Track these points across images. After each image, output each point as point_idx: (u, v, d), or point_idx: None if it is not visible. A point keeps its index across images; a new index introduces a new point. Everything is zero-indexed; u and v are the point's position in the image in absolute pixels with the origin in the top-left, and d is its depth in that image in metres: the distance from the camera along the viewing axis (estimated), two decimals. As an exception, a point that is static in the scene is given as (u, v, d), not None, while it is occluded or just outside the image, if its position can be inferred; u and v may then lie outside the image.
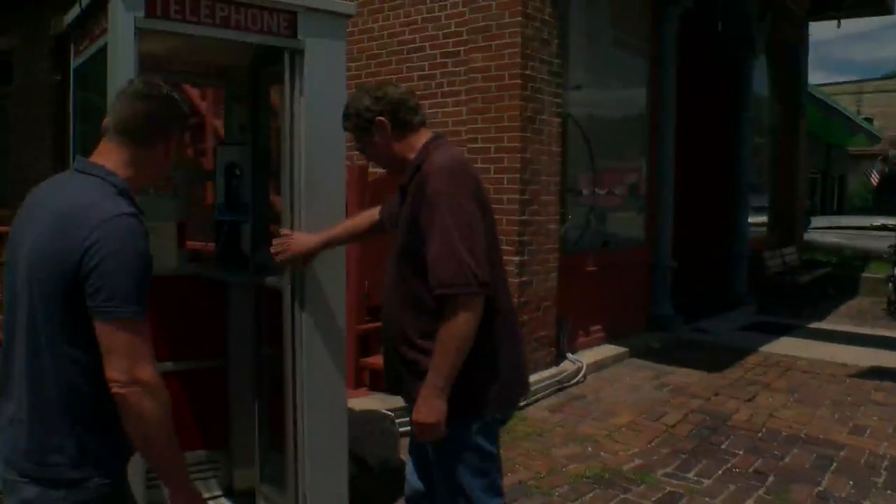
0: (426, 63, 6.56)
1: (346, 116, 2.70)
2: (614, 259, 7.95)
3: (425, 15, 6.55)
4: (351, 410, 4.89)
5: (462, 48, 6.29)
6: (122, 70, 2.94)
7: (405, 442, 5.05)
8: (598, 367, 7.02)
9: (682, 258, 8.99)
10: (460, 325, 2.27)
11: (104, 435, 1.85)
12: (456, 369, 2.30)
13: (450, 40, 6.37)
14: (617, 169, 8.63)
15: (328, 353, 3.49)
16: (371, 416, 4.86)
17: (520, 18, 5.86)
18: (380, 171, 6.71)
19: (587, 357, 7.02)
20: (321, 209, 3.42)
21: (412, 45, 6.65)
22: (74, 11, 3.46)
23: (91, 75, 3.47)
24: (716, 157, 10.95)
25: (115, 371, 1.74)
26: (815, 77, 75.60)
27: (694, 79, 10.18)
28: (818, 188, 31.52)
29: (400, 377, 2.55)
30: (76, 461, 1.81)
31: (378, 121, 2.56)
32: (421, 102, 6.26)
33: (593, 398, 6.18)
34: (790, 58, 12.54)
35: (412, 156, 2.55)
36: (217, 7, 3.11)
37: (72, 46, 3.70)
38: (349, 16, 3.44)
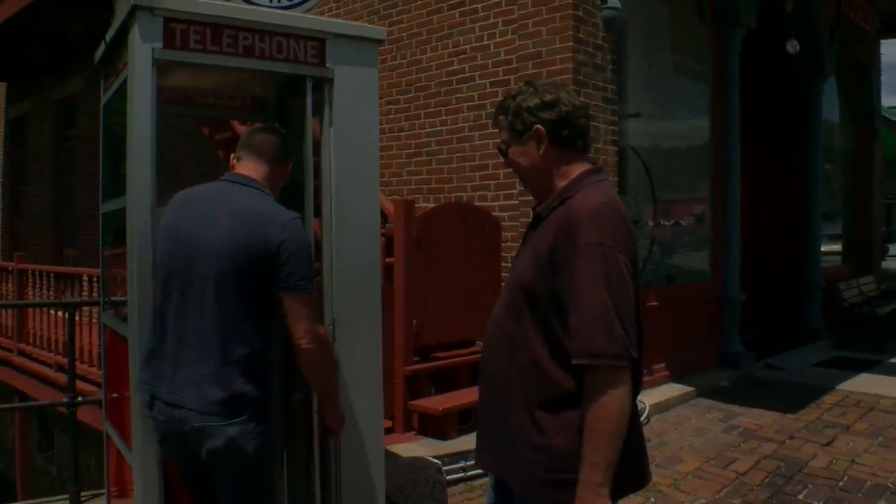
0: (476, 93, 6.36)
1: (503, 109, 2.21)
2: (679, 293, 7.56)
3: (474, 44, 6.37)
4: (395, 456, 4.66)
5: (512, 76, 6.07)
6: (141, 102, 2.81)
7: (453, 491, 4.79)
8: (662, 408, 6.62)
9: (751, 291, 8.54)
10: (613, 405, 1.88)
11: (267, 381, 2.50)
12: (615, 455, 1.89)
13: (499, 69, 6.17)
14: (680, 199, 8.28)
15: (364, 400, 3.25)
16: (416, 464, 4.59)
17: (571, 43, 5.62)
18: (429, 205, 6.56)
19: (650, 398, 6.63)
20: (353, 247, 3.20)
21: (461, 76, 6.47)
22: (101, 48, 3.36)
23: (118, 109, 3.35)
24: (784, 184, 10.45)
25: (302, 331, 2.48)
26: (889, 100, 73.25)
27: (758, 103, 9.77)
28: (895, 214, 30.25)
29: (505, 452, 2.12)
30: (257, 402, 2.43)
31: (537, 129, 2.11)
32: (471, 134, 6.18)
33: (657, 442, 5.79)
34: (861, 79, 11.97)
35: (562, 183, 2.12)
36: (240, 36, 2.96)
37: (101, 83, 3.60)
38: (380, 41, 3.26)
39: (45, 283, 8.09)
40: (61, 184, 13.61)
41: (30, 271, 8.56)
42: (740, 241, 8.35)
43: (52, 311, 7.38)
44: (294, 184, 3.61)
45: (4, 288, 9.30)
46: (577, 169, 2.14)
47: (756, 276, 9.14)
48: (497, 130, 2.22)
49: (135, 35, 2.79)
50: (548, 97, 2.13)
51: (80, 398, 4.01)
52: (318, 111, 3.16)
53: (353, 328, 3.20)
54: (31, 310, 8.27)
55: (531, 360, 2.02)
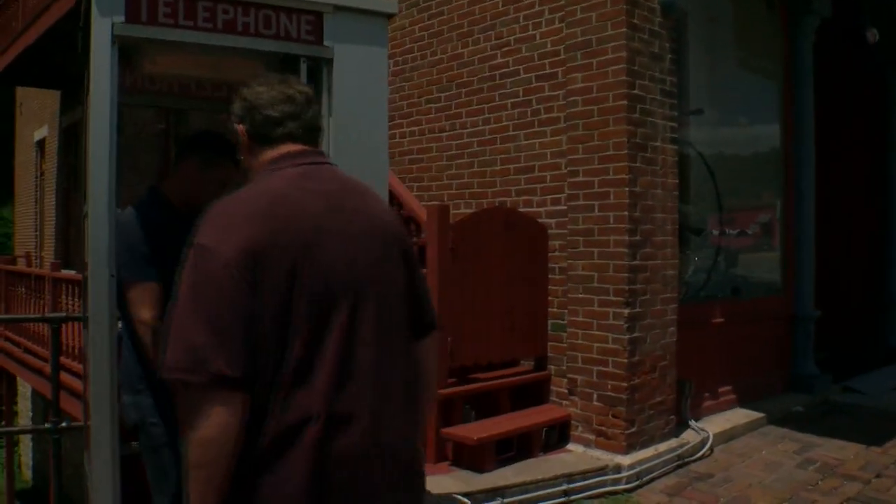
0: (520, 89, 5.82)
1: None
2: (746, 309, 6.87)
3: (518, 35, 5.83)
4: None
5: (560, 69, 5.52)
6: (99, 88, 2.36)
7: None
8: (727, 437, 5.95)
9: (824, 306, 7.78)
10: (193, 429, 1.56)
11: None
12: (202, 496, 1.57)
13: (546, 61, 5.62)
14: (747, 206, 7.60)
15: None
16: (444, 502, 4.07)
17: (625, 30, 5.04)
18: (470, 211, 6.06)
19: (714, 425, 5.97)
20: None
21: (505, 70, 5.94)
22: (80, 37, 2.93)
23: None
24: (860, 188, 9.60)
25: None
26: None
27: (831, 99, 8.96)
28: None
29: None
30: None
31: (238, 128, 1.91)
32: (515, 133, 5.64)
33: (722, 478, 5.14)
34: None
35: None
36: (219, 8, 2.49)
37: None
38: (390, 15, 2.75)
39: (79, 291, 7.82)
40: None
41: (64, 282, 8.30)
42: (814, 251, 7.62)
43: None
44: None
45: (42, 298, 9.09)
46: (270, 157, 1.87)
47: (828, 289, 8.34)
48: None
49: (92, 7, 2.34)
50: (240, 93, 1.90)
51: (65, 423, 3.59)
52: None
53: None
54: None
55: None
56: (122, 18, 2.36)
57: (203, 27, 2.47)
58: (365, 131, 2.71)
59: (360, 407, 1.69)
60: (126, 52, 2.69)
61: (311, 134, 1.91)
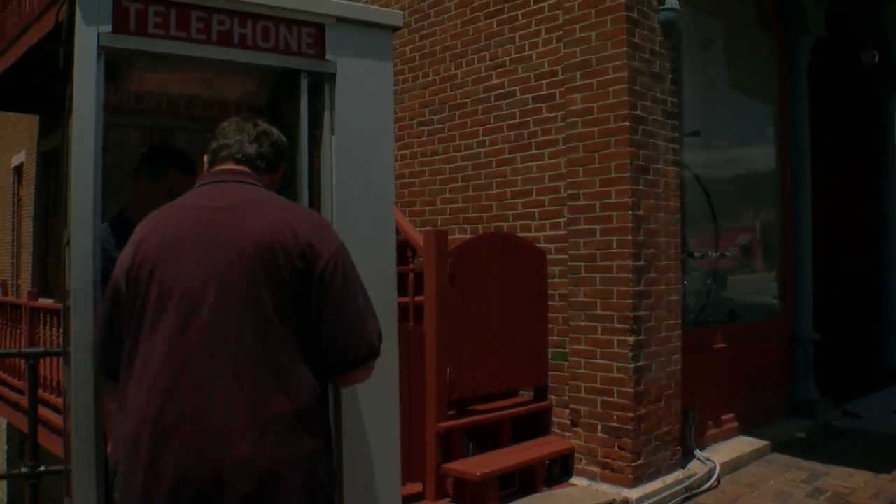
0: (517, 110, 5.66)
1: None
2: (745, 332, 6.72)
3: (514, 55, 5.69)
4: (426, 535, 3.94)
5: (558, 90, 5.37)
6: (83, 103, 2.17)
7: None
8: (733, 466, 5.76)
9: (822, 327, 7.65)
10: None
11: None
12: None
13: (543, 82, 5.46)
14: (743, 228, 7.48)
15: (381, 476, 2.55)
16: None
17: (626, 49, 4.90)
18: (465, 237, 5.88)
19: (719, 454, 5.78)
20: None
21: (500, 91, 5.78)
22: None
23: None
24: (856, 208, 9.52)
25: None
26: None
27: (826, 119, 8.90)
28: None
29: None
30: None
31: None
32: (511, 156, 5.47)
33: (731, 510, 4.96)
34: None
35: None
36: (214, 19, 2.31)
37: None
38: (395, 28, 2.57)
39: (58, 321, 7.55)
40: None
41: (42, 311, 8.02)
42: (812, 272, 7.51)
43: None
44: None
45: (18, 328, 8.79)
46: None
47: (826, 311, 8.22)
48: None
49: (76, 16, 2.15)
50: None
51: (43, 468, 3.34)
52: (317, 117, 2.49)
53: (366, 392, 2.50)
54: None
55: None
56: (108, 28, 2.17)
57: (196, 39, 2.28)
58: (370, 150, 2.52)
59: (182, 419, 1.74)
60: (112, 67, 2.51)
61: (245, 158, 2.07)
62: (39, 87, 13.11)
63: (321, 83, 2.47)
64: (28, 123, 15.47)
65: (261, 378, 1.78)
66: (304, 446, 1.81)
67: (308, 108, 2.45)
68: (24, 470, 3.33)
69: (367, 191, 2.51)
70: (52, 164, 15.20)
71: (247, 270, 1.81)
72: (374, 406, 2.53)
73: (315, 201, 2.46)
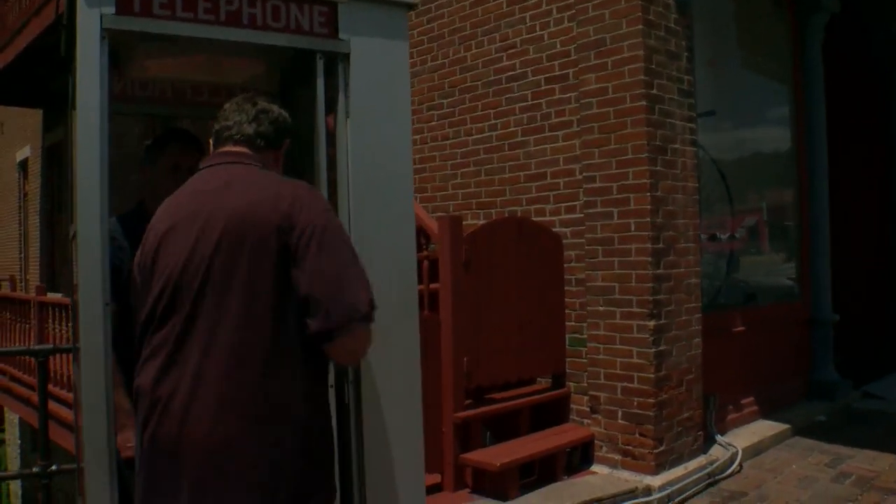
0: (529, 92, 5.54)
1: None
2: (763, 315, 6.61)
3: (525, 36, 5.56)
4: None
5: (571, 70, 5.24)
6: (89, 86, 2.06)
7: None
8: (755, 451, 5.67)
9: (840, 308, 7.53)
10: None
11: None
12: None
13: (555, 62, 5.34)
14: (759, 208, 7.35)
15: (404, 467, 2.46)
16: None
17: (641, 27, 4.77)
18: (478, 222, 5.78)
19: (740, 439, 5.68)
20: (381, 278, 2.40)
21: (511, 73, 5.66)
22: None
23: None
24: (872, 186, 9.34)
25: None
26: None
27: (840, 97, 8.74)
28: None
29: None
30: None
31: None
32: (524, 139, 5.36)
33: (756, 496, 4.86)
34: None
35: None
36: (222, -2, 2.19)
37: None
38: (411, 6, 2.46)
39: (66, 316, 7.47)
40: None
41: (50, 306, 7.95)
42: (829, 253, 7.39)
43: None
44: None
45: (27, 322, 8.72)
46: None
47: (843, 290, 8.10)
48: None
49: (79, -2, 2.05)
50: None
51: (55, 466, 3.25)
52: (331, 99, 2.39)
53: (386, 383, 2.41)
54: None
55: None
56: (112, 10, 2.06)
57: (204, 19, 2.17)
58: (386, 133, 2.41)
59: (171, 393, 1.82)
60: (116, 53, 2.41)
61: (243, 138, 2.07)
62: (41, 81, 13.04)
63: (334, 64, 2.36)
64: (32, 118, 15.39)
65: (239, 357, 1.81)
66: (273, 430, 1.82)
67: (324, 91, 2.34)
68: (35, 469, 3.25)
69: (384, 175, 2.41)
70: (56, 159, 15.15)
71: (228, 251, 1.84)
72: (395, 396, 2.44)
73: (331, 187, 2.36)
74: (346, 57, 2.36)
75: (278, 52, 2.45)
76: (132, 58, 2.62)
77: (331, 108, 2.38)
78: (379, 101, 2.42)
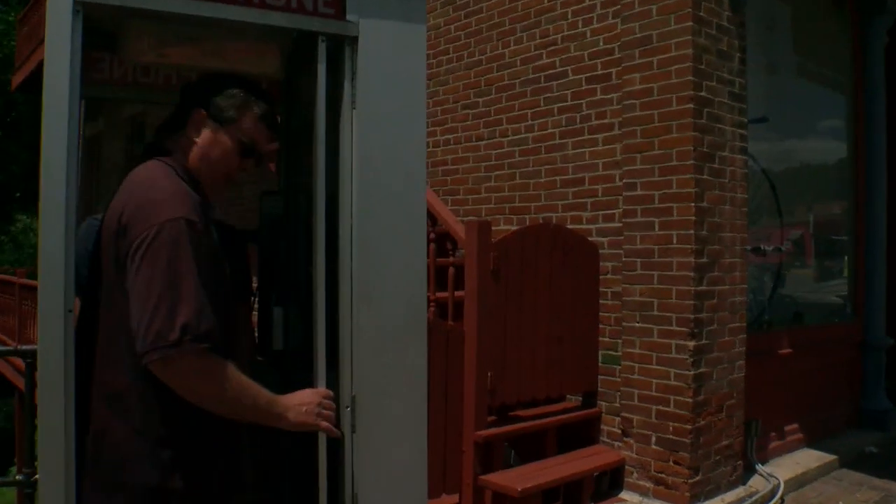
0: (568, 92, 5.25)
1: None
2: (812, 336, 6.21)
3: (566, 32, 5.27)
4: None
5: (614, 69, 4.94)
6: (57, 64, 1.83)
7: None
8: (798, 483, 5.29)
9: (893, 332, 7.09)
10: None
11: None
12: None
13: (598, 61, 5.04)
14: (811, 223, 6.95)
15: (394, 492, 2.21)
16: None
17: (691, 24, 4.45)
18: (511, 228, 5.50)
19: (783, 469, 5.31)
20: (387, 288, 2.13)
21: (551, 71, 5.37)
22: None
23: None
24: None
25: None
26: None
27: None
28: None
29: None
30: None
31: None
32: (562, 142, 5.05)
33: (799, 534, 4.51)
34: None
35: None
36: (215, -30, 1.94)
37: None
38: (431, -17, 2.18)
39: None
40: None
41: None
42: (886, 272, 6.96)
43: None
44: (301, 194, 2.54)
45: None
46: None
47: (894, 311, 7.66)
48: None
49: (51, -33, 1.81)
50: None
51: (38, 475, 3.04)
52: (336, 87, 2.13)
53: (387, 408, 2.14)
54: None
55: None
56: (87, -18, 1.82)
57: (194, -6, 1.92)
58: (397, 127, 2.15)
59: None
60: (112, 37, 2.19)
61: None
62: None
63: (341, 48, 2.10)
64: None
65: (105, 360, 1.81)
66: (120, 427, 1.79)
67: (326, 78, 2.08)
68: (18, 478, 3.04)
69: (393, 176, 2.14)
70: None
71: (96, 257, 1.87)
72: (395, 418, 2.17)
73: (331, 188, 2.10)
74: (354, 40, 2.09)
75: (281, 35, 2.19)
76: (129, 40, 2.39)
77: (334, 97, 2.11)
78: (390, 92, 2.15)
